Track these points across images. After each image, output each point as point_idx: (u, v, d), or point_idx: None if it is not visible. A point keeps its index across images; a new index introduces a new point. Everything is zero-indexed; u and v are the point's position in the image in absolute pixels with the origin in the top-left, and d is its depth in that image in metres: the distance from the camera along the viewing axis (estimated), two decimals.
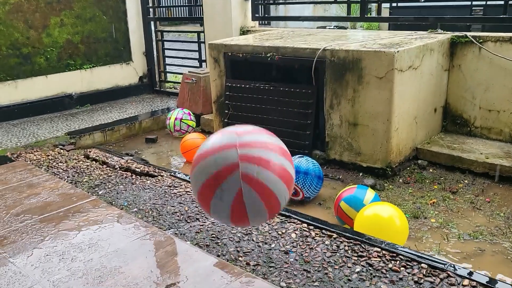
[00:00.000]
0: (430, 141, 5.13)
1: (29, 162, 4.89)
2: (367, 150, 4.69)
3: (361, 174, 4.79)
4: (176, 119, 6.17)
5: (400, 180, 4.63)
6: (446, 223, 3.80)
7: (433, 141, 5.12)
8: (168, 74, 8.91)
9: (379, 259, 2.90)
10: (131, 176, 4.51)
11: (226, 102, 5.71)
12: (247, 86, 5.52)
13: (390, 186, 4.52)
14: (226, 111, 5.72)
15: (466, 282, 2.63)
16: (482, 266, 3.25)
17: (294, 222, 3.43)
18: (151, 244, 3.10)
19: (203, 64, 7.83)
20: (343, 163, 4.93)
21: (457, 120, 5.33)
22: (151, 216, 3.63)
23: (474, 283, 2.63)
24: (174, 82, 8.78)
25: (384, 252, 2.97)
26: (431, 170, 4.79)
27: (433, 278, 2.69)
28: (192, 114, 6.37)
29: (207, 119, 6.45)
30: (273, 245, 3.14)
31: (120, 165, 4.78)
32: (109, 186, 4.27)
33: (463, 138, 5.22)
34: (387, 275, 2.75)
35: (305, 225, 3.38)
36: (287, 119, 5.21)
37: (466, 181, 4.53)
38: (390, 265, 2.84)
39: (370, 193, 3.67)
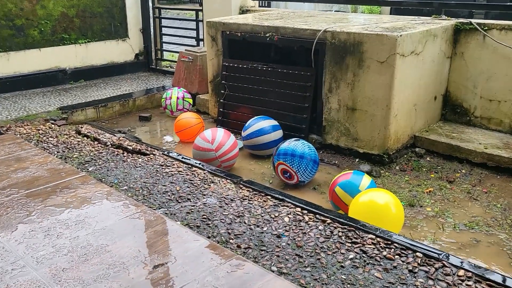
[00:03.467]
0: (428, 129, 5.05)
1: (18, 135, 4.78)
2: (365, 136, 4.60)
3: (357, 160, 4.71)
4: (178, 98, 6.04)
5: (397, 168, 4.56)
6: (442, 212, 3.73)
7: (431, 130, 5.04)
8: (164, 52, 8.75)
9: (373, 246, 2.83)
10: (123, 153, 4.40)
11: (223, 82, 5.58)
12: (245, 66, 5.40)
13: (387, 173, 4.44)
14: (222, 91, 5.60)
15: (461, 272, 2.57)
16: (477, 256, 3.19)
17: (287, 206, 3.35)
18: (140, 223, 3.01)
19: (201, 43, 7.68)
20: (339, 148, 4.84)
21: (457, 109, 5.24)
22: (142, 194, 3.54)
23: (469, 273, 2.56)
24: (171, 61, 8.63)
25: (378, 239, 2.90)
26: (428, 159, 4.72)
27: (428, 267, 2.63)
28: (188, 93, 6.25)
29: (203, 99, 6.33)
30: (265, 228, 3.06)
31: (112, 142, 4.67)
32: (100, 163, 4.16)
33: (462, 127, 5.14)
34: (381, 263, 2.68)
35: (299, 209, 3.30)
36: (284, 101, 5.10)
37: (463, 171, 4.46)
38: (384, 253, 2.77)
39: (366, 179, 3.59)
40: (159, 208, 3.32)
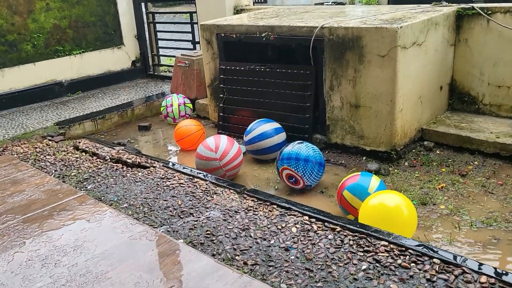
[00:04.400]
0: (436, 120, 4.87)
1: (15, 155, 4.66)
2: (370, 133, 4.44)
3: (364, 158, 4.55)
4: (179, 104, 5.90)
5: (406, 164, 4.39)
6: (457, 210, 3.57)
7: (439, 121, 4.87)
8: (161, 57, 8.62)
9: (387, 254, 2.68)
10: (122, 168, 4.27)
11: (221, 85, 5.44)
12: (242, 68, 5.25)
13: (396, 170, 4.28)
14: (221, 95, 5.45)
15: (483, 278, 2.41)
16: (499, 257, 3.03)
17: (294, 215, 3.20)
18: (141, 244, 2.88)
19: (197, 46, 7.53)
20: (345, 147, 4.68)
21: (464, 97, 5.06)
22: (142, 212, 3.41)
23: (492, 280, 2.40)
24: (168, 66, 8.49)
25: (392, 246, 2.75)
26: (438, 152, 4.55)
27: (447, 274, 2.47)
28: (188, 99, 6.11)
29: (202, 104, 6.19)
30: (272, 241, 2.92)
31: (111, 156, 4.54)
32: (99, 179, 4.04)
33: (471, 116, 4.96)
34: (396, 273, 2.53)
35: (307, 217, 3.15)
36: (285, 102, 4.95)
37: (476, 163, 4.29)
38: (399, 261, 2.61)
39: (375, 181, 3.43)
40: (161, 226, 3.19)
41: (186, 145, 5.11)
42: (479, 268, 2.48)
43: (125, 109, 6.19)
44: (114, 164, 4.36)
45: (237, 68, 5.27)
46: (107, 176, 4.10)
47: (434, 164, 4.34)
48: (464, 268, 2.49)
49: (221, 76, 5.42)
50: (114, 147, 4.84)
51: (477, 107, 5.00)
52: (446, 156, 4.45)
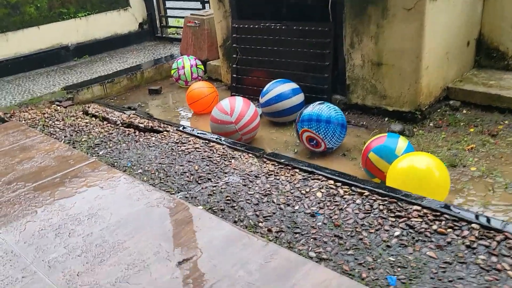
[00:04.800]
0: (462, 78, 4.61)
1: (23, 122, 4.50)
2: (394, 93, 4.20)
3: (386, 119, 4.33)
4: (191, 66, 5.66)
5: (431, 124, 4.17)
6: (489, 172, 3.37)
7: (465, 79, 4.61)
8: (169, 18, 8.31)
9: (421, 220, 2.51)
10: (134, 132, 4.10)
11: (234, 45, 5.18)
12: (256, 26, 4.98)
13: (420, 131, 4.07)
14: (234, 56, 5.21)
15: None
16: None
17: (318, 179, 3.02)
18: (159, 211, 2.73)
19: (206, 5, 7.21)
20: (366, 107, 4.46)
21: (492, 53, 4.77)
22: (158, 178, 3.25)
23: None
24: (177, 27, 8.20)
25: (425, 211, 2.57)
26: (464, 112, 4.31)
27: (488, 241, 2.30)
28: (199, 60, 5.88)
29: (214, 66, 5.95)
30: (296, 207, 2.75)
31: (122, 121, 4.36)
32: (111, 145, 3.87)
33: (499, 73, 4.68)
34: (432, 239, 2.36)
35: (332, 181, 2.98)
36: (302, 61, 4.70)
37: (506, 122, 4.05)
38: (434, 227, 2.44)
39: (402, 142, 3.23)
40: (178, 192, 3.03)
41: (199, 108, 4.92)
42: None
43: (134, 73, 5.97)
44: (125, 129, 4.19)
45: (251, 26, 5.00)
46: (119, 141, 3.93)
47: (461, 124, 4.11)
48: (506, 234, 2.32)
49: (234, 35, 5.16)
50: (124, 112, 4.66)
51: (506, 63, 4.71)
52: (473, 116, 4.22)
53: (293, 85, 4.43)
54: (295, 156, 3.91)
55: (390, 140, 3.24)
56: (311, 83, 4.64)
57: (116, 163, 3.52)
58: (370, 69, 4.27)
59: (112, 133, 4.12)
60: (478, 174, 3.36)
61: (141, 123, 4.26)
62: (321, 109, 3.74)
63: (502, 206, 3.00)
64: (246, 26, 5.04)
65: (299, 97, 4.41)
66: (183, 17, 6.84)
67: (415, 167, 2.92)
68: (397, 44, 4.01)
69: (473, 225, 2.42)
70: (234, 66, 5.23)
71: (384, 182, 3.20)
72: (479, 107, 4.32)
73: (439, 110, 4.36)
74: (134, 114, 4.60)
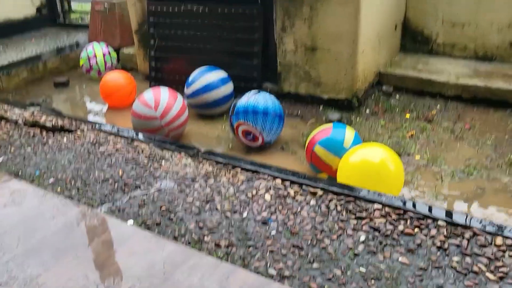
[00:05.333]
0: (391, 63, 4.52)
1: None
2: (329, 79, 3.98)
3: (321, 107, 4.11)
4: (104, 54, 5.03)
5: (367, 111, 4.02)
6: (433, 159, 3.26)
7: (394, 63, 4.52)
8: (72, 2, 7.49)
9: (384, 220, 2.28)
10: (41, 133, 3.49)
11: (151, 31, 4.67)
12: (176, 9, 4.50)
13: (358, 119, 3.90)
14: (152, 43, 4.70)
15: (499, 240, 2.09)
16: (493, 210, 2.76)
17: (264, 179, 2.70)
18: (80, 231, 2.25)
19: None
20: (299, 96, 4.20)
21: (417, 37, 4.74)
22: (75, 187, 2.73)
23: (509, 241, 2.09)
24: (82, 12, 7.42)
25: (387, 209, 2.35)
26: (397, 97, 4.22)
27: (458, 239, 2.12)
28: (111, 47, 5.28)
29: (128, 54, 5.38)
30: (245, 214, 2.40)
31: (24, 120, 3.71)
32: (12, 150, 3.25)
33: (425, 57, 4.66)
34: (401, 242, 2.14)
35: (279, 181, 2.66)
36: (228, 47, 4.33)
37: (438, 107, 4.02)
38: (400, 227, 2.22)
39: (349, 133, 3.00)
40: (102, 204, 2.55)
41: (115, 102, 4.37)
42: (493, 229, 2.15)
43: (35, 63, 5.23)
44: (30, 129, 3.56)
45: (170, 8, 4.52)
46: (23, 144, 3.32)
47: (397, 110, 4.01)
48: (474, 229, 2.16)
49: (151, 19, 4.64)
50: (27, 108, 3.99)
51: (430, 47, 4.71)
52: (407, 101, 4.13)
53: (221, 74, 4.05)
54: (230, 152, 3.56)
55: (336, 131, 2.99)
56: (240, 71, 4.29)
57: (21, 172, 2.93)
58: (303, 55, 4.01)
59: (13, 136, 3.48)
60: (423, 163, 3.24)
61: (48, 121, 3.65)
62: (257, 99, 3.40)
63: (453, 195, 2.88)
64: (165, 8, 4.55)
65: (229, 87, 4.04)
66: (88, 1, 6.13)
67: (369, 160, 2.69)
68: (332, 28, 3.78)
69: (439, 222, 2.23)
70: (152, 54, 4.73)
71: (332, 177, 2.97)
72: (411, 92, 4.25)
73: (373, 96, 4.22)
74: (38, 111, 3.95)
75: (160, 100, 3.52)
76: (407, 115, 3.91)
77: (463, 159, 3.26)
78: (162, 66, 4.73)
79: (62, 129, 3.53)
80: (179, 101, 3.61)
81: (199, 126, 4.02)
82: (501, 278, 1.90)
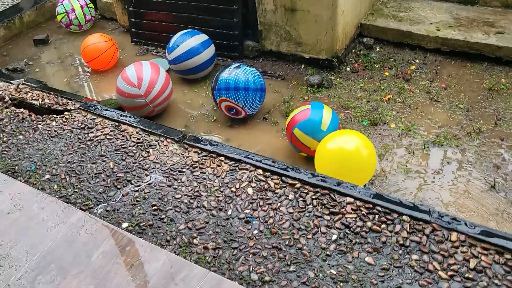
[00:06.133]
0: (373, 10, 4.48)
1: None
2: (309, 40, 4.00)
3: (303, 66, 4.17)
4: (82, 7, 4.90)
5: (348, 69, 4.10)
6: (407, 128, 3.43)
7: (376, 11, 4.48)
8: None
9: (355, 216, 2.52)
10: (30, 115, 3.60)
11: None
12: None
13: (338, 79, 3.99)
14: None
15: (454, 236, 2.36)
16: (457, 193, 3.00)
17: (246, 169, 2.89)
18: (82, 241, 2.48)
19: None
20: (281, 54, 4.24)
21: None
22: (70, 184, 2.93)
23: (463, 237, 2.36)
24: None
25: (358, 203, 2.58)
26: (378, 49, 4.27)
27: (419, 235, 2.38)
28: None
29: (106, 2, 5.24)
30: (229, 212, 2.64)
31: (11, 96, 3.79)
32: (4, 138, 3.38)
33: (407, 1, 4.60)
34: (369, 239, 2.40)
35: (260, 171, 2.86)
36: (208, 4, 4.25)
37: (417, 61, 4.09)
38: (369, 224, 2.47)
39: (327, 114, 3.14)
40: (98, 205, 2.77)
41: (98, 66, 4.39)
42: (449, 224, 2.41)
43: (11, 18, 5.10)
44: (17, 111, 3.66)
45: None
46: (14, 131, 3.45)
47: (377, 66, 4.09)
48: (434, 225, 2.41)
49: None
50: (11, 81, 4.03)
51: None
52: (387, 55, 4.19)
53: (202, 37, 4.04)
54: (214, 125, 3.71)
55: (314, 113, 3.13)
56: (221, 29, 4.27)
57: (17, 167, 3.10)
58: (283, 15, 3.97)
59: (3, 119, 3.58)
60: (397, 133, 3.42)
61: (35, 99, 3.73)
62: (238, 75, 3.47)
63: (422, 171, 3.10)
64: None
65: (210, 50, 4.06)
66: None
67: (344, 148, 2.88)
68: None
69: (404, 217, 2.48)
70: (130, 9, 4.63)
71: (309, 156, 3.17)
72: (392, 44, 4.29)
73: (354, 51, 4.27)
74: (24, 83, 4.00)
75: (143, 77, 3.57)
76: (386, 73, 4.00)
77: (436, 127, 3.43)
78: (141, 22, 4.66)
79: (50, 110, 3.63)
80: (162, 76, 3.67)
81: (183, 93, 4.10)
82: (451, 277, 2.20)
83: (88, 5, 5.02)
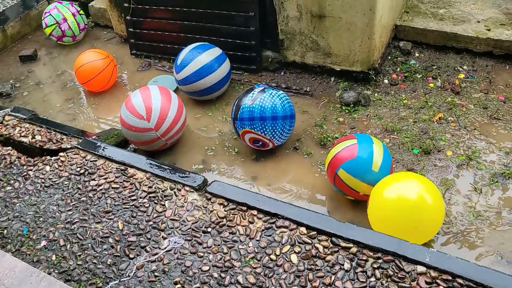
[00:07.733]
0: (408, 7, 3.89)
1: None
2: (341, 50, 3.42)
3: (332, 79, 3.61)
4: (74, 15, 4.30)
5: (386, 81, 3.53)
6: (468, 157, 2.88)
7: (411, 8, 3.89)
8: None
9: None
10: (19, 158, 3.05)
11: None
12: None
13: (376, 94, 3.43)
14: (126, 4, 3.98)
15: None
16: None
17: (286, 227, 2.36)
18: None
19: None
20: (306, 66, 3.67)
21: None
22: (72, 256, 2.39)
23: None
24: None
25: (432, 273, 2.05)
26: (417, 55, 3.69)
27: None
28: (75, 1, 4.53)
29: (99, 9, 4.64)
30: None
31: None
32: None
33: None
34: None
35: (304, 229, 2.33)
36: (219, 11, 3.67)
37: (465, 67, 3.52)
38: None
39: (377, 150, 2.57)
40: (107, 283, 2.24)
41: (95, 87, 3.82)
42: None
43: None
44: (4, 152, 3.11)
45: None
46: (1, 180, 2.90)
47: (419, 76, 3.52)
48: None
49: None
50: None
51: None
52: (428, 61, 3.62)
53: (215, 52, 3.47)
54: (236, 158, 3.16)
55: (362, 150, 2.57)
56: (235, 39, 3.70)
57: (6, 231, 2.57)
58: (309, 22, 3.39)
59: None
60: (457, 162, 2.87)
61: (24, 135, 3.17)
62: (263, 101, 2.90)
63: (493, 213, 2.56)
64: None
65: (225, 67, 3.49)
66: None
67: (406, 197, 2.33)
68: None
69: None
70: (128, 17, 4.04)
71: (357, 200, 2.64)
72: (433, 48, 3.72)
73: (389, 58, 3.69)
74: (10, 113, 3.45)
75: (152, 107, 3.00)
76: (431, 84, 3.44)
77: (503, 154, 2.88)
78: (142, 32, 4.08)
79: (42, 150, 3.08)
80: (174, 102, 3.09)
81: (196, 117, 3.54)
82: None
83: (80, 12, 4.43)
